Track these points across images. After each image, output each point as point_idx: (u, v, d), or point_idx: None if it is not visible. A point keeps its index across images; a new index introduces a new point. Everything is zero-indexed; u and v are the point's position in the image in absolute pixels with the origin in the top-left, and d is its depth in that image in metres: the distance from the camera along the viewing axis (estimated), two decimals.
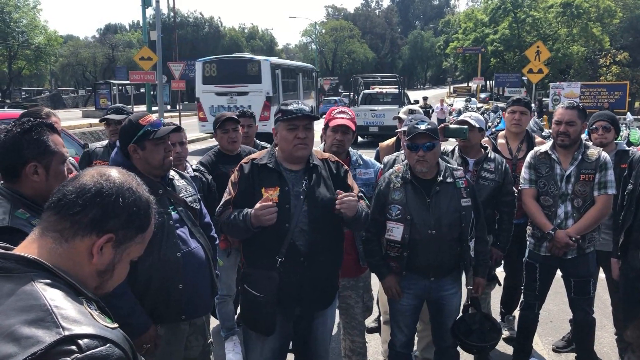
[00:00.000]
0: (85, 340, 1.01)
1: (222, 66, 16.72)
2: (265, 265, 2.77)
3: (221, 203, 2.94)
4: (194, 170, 3.63)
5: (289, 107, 2.81)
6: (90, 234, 1.20)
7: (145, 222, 1.30)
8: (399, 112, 4.96)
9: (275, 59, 17.55)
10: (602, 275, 4.15)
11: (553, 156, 3.73)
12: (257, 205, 2.65)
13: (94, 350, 1.01)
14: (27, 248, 1.18)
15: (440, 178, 3.17)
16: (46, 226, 1.21)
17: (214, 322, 4.23)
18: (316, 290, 2.82)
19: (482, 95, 38.84)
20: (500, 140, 4.45)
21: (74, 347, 0.99)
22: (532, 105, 18.85)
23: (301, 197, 2.78)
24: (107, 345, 1.04)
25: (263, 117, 14.06)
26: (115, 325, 1.13)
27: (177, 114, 22.80)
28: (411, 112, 4.79)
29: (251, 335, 2.92)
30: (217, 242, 3.18)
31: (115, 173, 1.28)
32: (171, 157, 2.71)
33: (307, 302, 2.84)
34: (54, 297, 1.06)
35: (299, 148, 2.79)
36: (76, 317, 1.05)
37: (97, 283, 1.26)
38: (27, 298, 1.05)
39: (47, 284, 1.10)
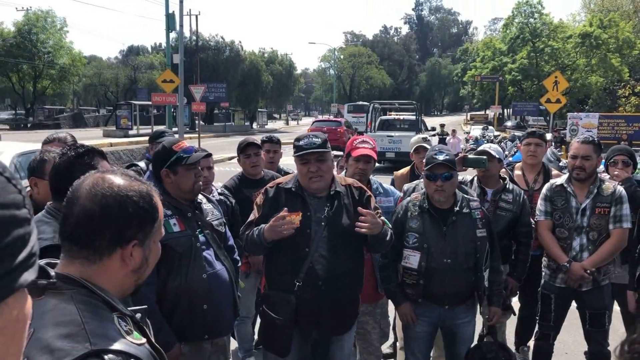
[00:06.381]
0: (110, 355, 1.11)
1: (355, 106, 40.16)
2: (284, 288, 2.86)
3: (245, 223, 3.04)
4: (219, 194, 3.76)
5: (300, 142, 2.90)
6: (114, 250, 1.28)
7: (156, 210, 1.34)
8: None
9: (372, 103, 28.69)
10: (617, 307, 4.16)
11: (569, 189, 3.79)
12: (273, 219, 2.73)
13: None
14: (67, 268, 1.27)
15: (457, 208, 3.25)
16: (71, 255, 1.28)
17: (232, 344, 4.29)
18: (334, 315, 2.88)
19: (509, 124, 38.96)
20: (517, 172, 4.52)
21: None
22: (549, 135, 18.71)
23: (322, 223, 2.86)
24: (131, 359, 1.15)
25: (368, 125, 24.48)
26: (142, 341, 1.23)
27: (197, 135, 23.15)
28: (424, 139, 4.93)
29: (269, 357, 3.00)
30: (240, 264, 3.28)
31: (108, 181, 1.30)
32: (201, 182, 2.83)
33: (324, 326, 2.90)
34: (88, 314, 1.17)
35: (313, 181, 2.88)
36: (105, 333, 1.15)
37: (136, 278, 1.35)
38: (65, 314, 1.16)
39: (84, 301, 1.20)
